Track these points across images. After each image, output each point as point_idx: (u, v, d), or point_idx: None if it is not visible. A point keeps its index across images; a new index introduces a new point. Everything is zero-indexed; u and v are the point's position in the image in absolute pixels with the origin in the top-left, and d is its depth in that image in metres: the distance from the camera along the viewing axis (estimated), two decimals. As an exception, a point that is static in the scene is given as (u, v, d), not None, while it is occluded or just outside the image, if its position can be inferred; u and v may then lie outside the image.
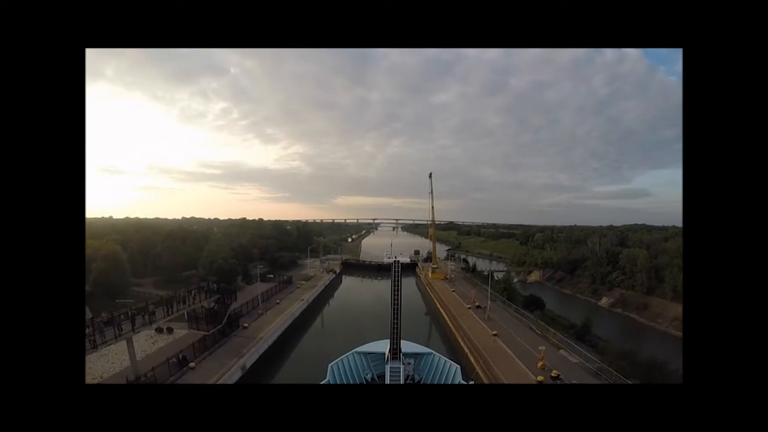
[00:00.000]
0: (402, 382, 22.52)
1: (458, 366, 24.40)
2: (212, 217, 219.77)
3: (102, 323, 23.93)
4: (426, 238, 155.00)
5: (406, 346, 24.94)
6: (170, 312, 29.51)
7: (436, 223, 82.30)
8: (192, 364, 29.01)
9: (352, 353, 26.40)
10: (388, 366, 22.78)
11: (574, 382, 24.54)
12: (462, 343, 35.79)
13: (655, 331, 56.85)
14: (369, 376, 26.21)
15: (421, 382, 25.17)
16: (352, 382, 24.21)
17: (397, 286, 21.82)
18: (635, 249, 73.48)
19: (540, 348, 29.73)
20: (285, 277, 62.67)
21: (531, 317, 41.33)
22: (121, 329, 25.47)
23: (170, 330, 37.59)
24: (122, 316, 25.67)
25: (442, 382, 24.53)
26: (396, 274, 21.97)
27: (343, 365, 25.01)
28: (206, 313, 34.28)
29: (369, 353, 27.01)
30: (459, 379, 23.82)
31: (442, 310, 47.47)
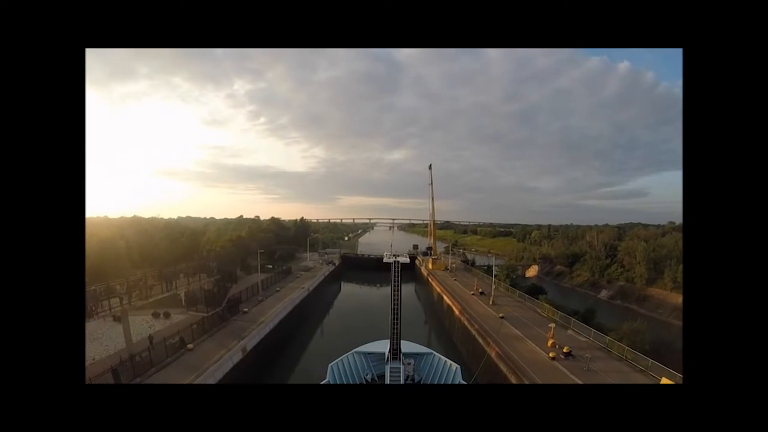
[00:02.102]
0: (402, 382, 22.39)
1: (458, 366, 24.49)
2: (208, 216, 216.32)
3: (97, 291, 22.93)
4: (422, 236, 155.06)
5: (406, 346, 24.88)
6: (169, 288, 28.53)
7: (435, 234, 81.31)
8: (190, 346, 28.13)
9: (352, 353, 26.26)
10: (388, 366, 22.69)
11: (587, 355, 24.08)
12: (469, 326, 35.21)
13: (656, 321, 56.68)
14: (369, 376, 26.03)
15: (421, 382, 25.02)
16: (352, 382, 24.04)
17: (397, 286, 21.79)
18: (633, 241, 73.41)
19: (550, 325, 29.23)
20: (284, 268, 61.76)
21: (536, 301, 40.85)
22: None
23: (167, 315, 36.60)
24: (118, 287, 24.68)
25: (442, 382, 24.42)
26: (396, 274, 21.84)
27: (343, 365, 24.86)
28: (205, 295, 33.42)
29: (369, 353, 26.87)
30: (459, 379, 23.75)
31: (445, 296, 46.85)
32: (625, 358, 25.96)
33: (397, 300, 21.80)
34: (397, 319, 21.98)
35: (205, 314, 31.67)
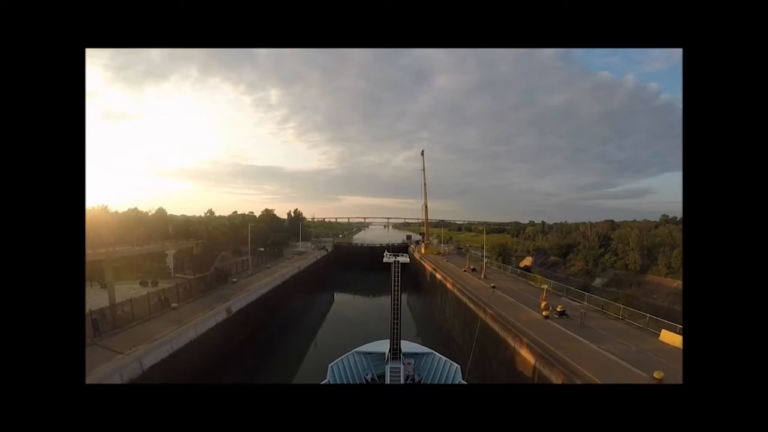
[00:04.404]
0: (402, 382, 22.10)
1: (458, 366, 24.19)
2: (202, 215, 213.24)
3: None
4: (416, 233, 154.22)
5: (406, 346, 24.61)
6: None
7: (429, 221, 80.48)
8: (174, 305, 27.56)
9: (352, 353, 25.85)
10: (388, 366, 22.40)
11: (582, 311, 23.58)
12: (460, 295, 34.71)
13: (652, 306, 56.49)
14: (369, 376, 25.58)
15: (421, 382, 24.60)
16: (352, 382, 23.72)
17: (397, 286, 21.68)
18: (626, 229, 73.60)
19: (542, 287, 28.76)
20: (275, 250, 61.04)
21: (528, 274, 40.48)
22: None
23: (155, 283, 35.87)
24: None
25: (442, 382, 24.08)
26: (396, 274, 21.73)
27: (343, 365, 24.47)
28: (193, 260, 32.67)
29: (369, 353, 26.49)
30: (459, 379, 23.37)
31: (437, 274, 46.37)
32: (621, 317, 25.54)
33: (397, 300, 21.65)
34: (397, 319, 21.77)
35: (192, 277, 30.85)
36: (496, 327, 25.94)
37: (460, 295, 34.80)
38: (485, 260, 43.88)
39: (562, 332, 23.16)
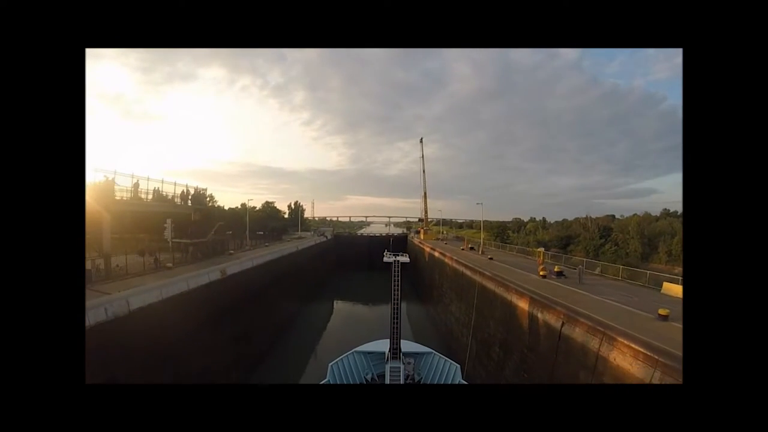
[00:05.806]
0: (402, 381, 22.07)
1: (458, 366, 24.16)
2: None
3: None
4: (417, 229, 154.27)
5: (406, 345, 24.59)
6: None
7: (429, 220, 79.89)
8: (169, 264, 27.58)
9: (352, 353, 25.76)
10: (388, 366, 22.32)
11: (580, 267, 23.25)
12: (457, 266, 34.51)
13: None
14: (369, 376, 25.52)
15: (421, 382, 24.53)
16: (352, 382, 23.73)
17: (397, 285, 21.78)
18: (627, 218, 73.45)
19: (537, 250, 28.52)
20: (274, 234, 61.05)
21: (526, 248, 40.26)
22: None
23: (152, 253, 35.83)
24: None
25: (442, 382, 24.03)
26: (396, 273, 21.85)
27: (343, 365, 24.43)
28: (190, 226, 32.51)
29: (369, 353, 26.39)
30: (459, 379, 23.33)
31: (436, 252, 46.34)
32: (621, 278, 25.24)
33: (397, 299, 21.69)
34: (397, 318, 21.71)
35: (189, 242, 30.78)
36: (491, 285, 25.70)
37: (458, 266, 34.63)
38: (483, 235, 43.65)
39: (560, 287, 22.85)
